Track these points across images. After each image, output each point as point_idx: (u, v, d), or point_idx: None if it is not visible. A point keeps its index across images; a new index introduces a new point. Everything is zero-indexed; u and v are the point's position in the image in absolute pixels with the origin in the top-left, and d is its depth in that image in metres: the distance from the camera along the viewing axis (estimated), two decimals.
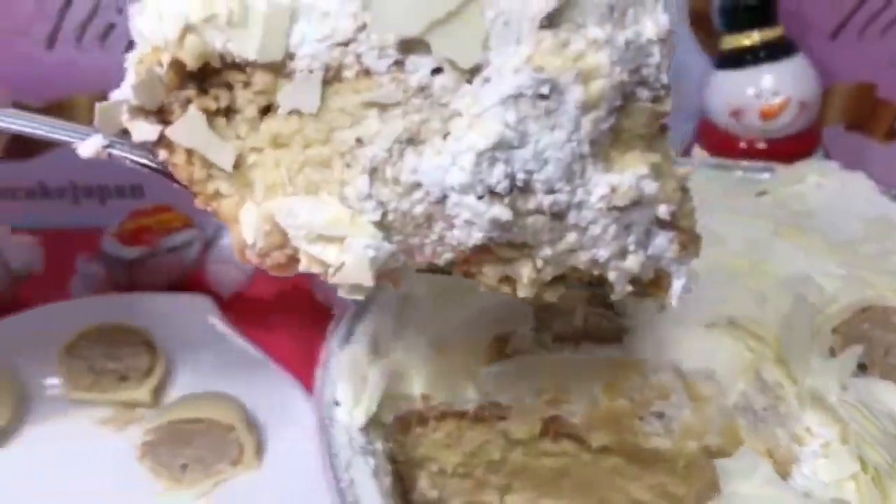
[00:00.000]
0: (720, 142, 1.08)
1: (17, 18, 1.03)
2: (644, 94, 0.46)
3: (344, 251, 0.44)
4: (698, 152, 1.09)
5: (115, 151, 0.52)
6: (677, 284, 0.48)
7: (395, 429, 0.69)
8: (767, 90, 1.02)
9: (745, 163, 0.89)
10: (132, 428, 0.86)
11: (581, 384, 0.68)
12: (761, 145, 1.06)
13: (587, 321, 0.69)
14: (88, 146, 0.51)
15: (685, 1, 1.08)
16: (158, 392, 0.90)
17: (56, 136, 0.52)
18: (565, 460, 0.71)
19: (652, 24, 0.44)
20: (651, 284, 0.49)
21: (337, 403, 0.64)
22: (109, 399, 0.88)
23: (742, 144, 1.07)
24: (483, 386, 0.68)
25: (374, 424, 0.65)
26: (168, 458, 0.81)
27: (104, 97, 0.47)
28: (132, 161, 0.52)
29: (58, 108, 1.06)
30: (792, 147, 1.04)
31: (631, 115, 0.46)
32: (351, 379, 0.65)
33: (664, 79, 0.46)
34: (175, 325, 0.93)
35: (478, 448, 0.71)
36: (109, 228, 1.05)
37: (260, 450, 0.82)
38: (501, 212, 0.44)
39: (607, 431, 0.69)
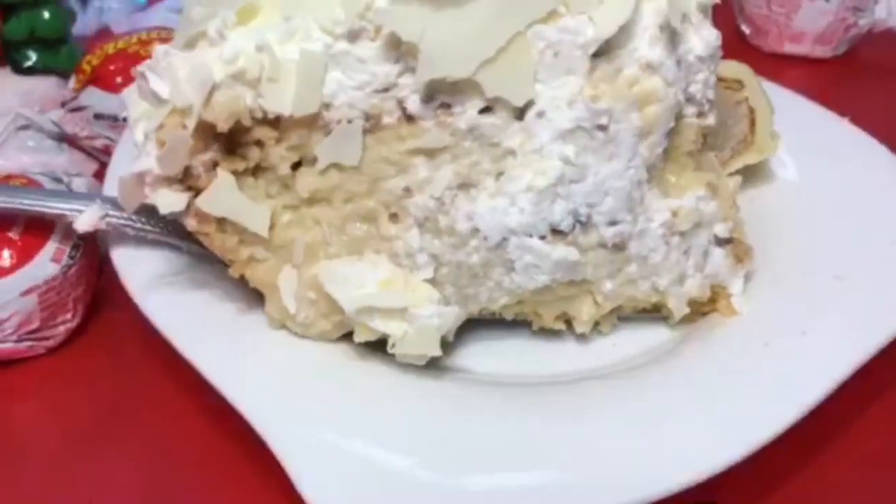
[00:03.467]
0: None
1: None
2: (690, 110, 0.47)
3: (407, 321, 0.44)
4: None
5: (114, 220, 0.50)
6: (736, 293, 0.49)
7: None
8: None
9: None
10: None
11: None
12: None
13: None
14: (85, 220, 0.49)
15: None
16: None
17: (53, 210, 0.49)
18: None
19: (699, 40, 0.45)
20: (708, 303, 0.50)
21: None
22: None
23: None
24: None
25: None
26: None
27: None
28: (134, 229, 0.50)
29: None
30: None
31: (680, 133, 0.47)
32: None
33: (710, 94, 0.47)
34: None
35: None
36: None
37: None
38: (568, 252, 0.44)
39: None
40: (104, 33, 0.83)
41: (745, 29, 0.84)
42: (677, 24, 0.43)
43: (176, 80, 0.42)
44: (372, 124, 0.43)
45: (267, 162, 0.44)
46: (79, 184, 0.58)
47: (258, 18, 0.43)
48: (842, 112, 0.64)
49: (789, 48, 0.82)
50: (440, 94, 0.43)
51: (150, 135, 0.42)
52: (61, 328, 0.52)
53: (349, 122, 0.43)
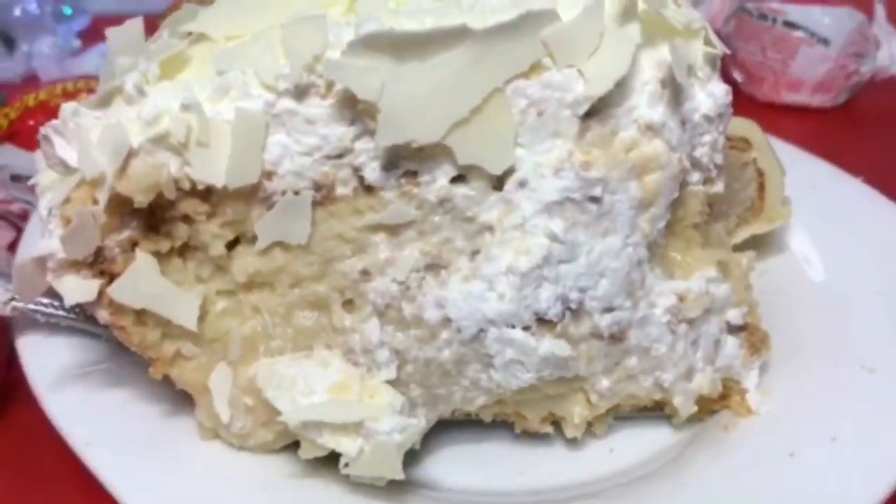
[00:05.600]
0: None
1: None
2: (696, 177, 0.42)
3: (362, 437, 0.38)
4: None
5: (21, 305, 0.44)
6: (751, 388, 0.44)
7: None
8: None
9: None
10: None
11: None
12: None
13: None
14: None
15: None
16: None
17: None
18: None
19: (707, 97, 0.40)
20: (718, 400, 0.44)
21: None
22: None
23: None
24: None
25: None
26: None
27: None
28: (44, 315, 0.44)
29: None
30: None
31: (684, 203, 0.42)
32: None
33: (718, 158, 0.42)
34: None
35: None
36: None
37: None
38: (557, 345, 0.39)
39: None
40: (32, 81, 0.78)
41: (738, 76, 0.81)
42: (682, 78, 0.38)
43: (86, 144, 0.36)
44: (323, 196, 0.38)
45: (197, 241, 0.39)
46: None
47: (186, 71, 0.38)
48: (847, 168, 0.60)
49: (786, 97, 0.79)
50: (404, 161, 0.37)
51: (55, 210, 0.36)
52: None
53: (296, 193, 0.37)
